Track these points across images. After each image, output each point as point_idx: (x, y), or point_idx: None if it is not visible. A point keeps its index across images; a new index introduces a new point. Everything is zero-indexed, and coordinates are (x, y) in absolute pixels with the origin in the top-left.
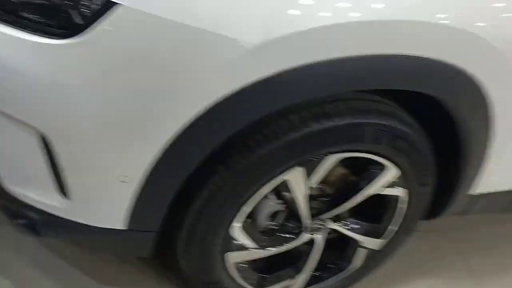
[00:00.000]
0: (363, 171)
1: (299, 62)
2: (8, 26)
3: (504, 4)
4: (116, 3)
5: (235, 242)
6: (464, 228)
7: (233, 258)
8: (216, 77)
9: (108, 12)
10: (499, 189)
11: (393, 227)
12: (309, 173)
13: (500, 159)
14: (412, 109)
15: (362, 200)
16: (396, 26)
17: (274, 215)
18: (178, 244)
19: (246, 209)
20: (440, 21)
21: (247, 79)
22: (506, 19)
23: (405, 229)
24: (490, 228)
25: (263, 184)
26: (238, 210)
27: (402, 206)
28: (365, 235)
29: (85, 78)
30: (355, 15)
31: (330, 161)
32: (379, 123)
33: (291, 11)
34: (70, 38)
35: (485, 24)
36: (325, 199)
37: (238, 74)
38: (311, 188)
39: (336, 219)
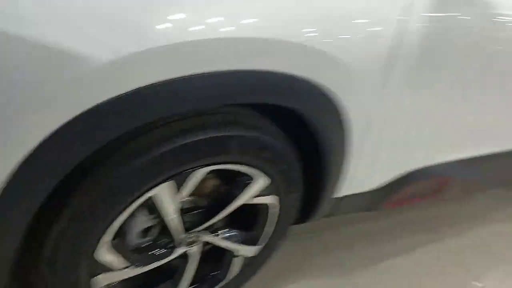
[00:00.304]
0: (234, 182)
1: (156, 79)
2: None
3: (347, 22)
4: None
5: (103, 264)
6: (333, 227)
7: (103, 280)
8: (65, 95)
9: None
10: (360, 190)
11: (266, 234)
12: (179, 187)
13: (358, 163)
14: (280, 120)
15: (235, 209)
16: (255, 43)
17: (146, 231)
18: (40, 269)
19: (113, 228)
20: (294, 39)
21: (101, 97)
22: (351, 35)
23: (278, 234)
24: (357, 226)
25: (131, 202)
26: (104, 230)
27: (274, 213)
28: (240, 244)
29: None
30: (215, 32)
31: (199, 174)
32: (245, 136)
33: (150, 25)
34: None
35: (334, 41)
36: (199, 212)
37: (91, 91)
38: (182, 201)
39: (211, 230)
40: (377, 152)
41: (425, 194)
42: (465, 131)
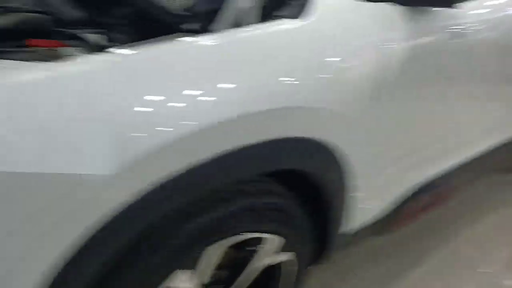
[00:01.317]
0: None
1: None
2: None
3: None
4: None
5: None
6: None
7: None
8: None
9: None
10: (371, 221)
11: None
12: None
13: (366, 196)
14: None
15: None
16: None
17: None
18: None
19: None
20: (299, 104)
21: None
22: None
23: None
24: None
25: None
26: None
27: (293, 268)
28: None
29: None
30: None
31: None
32: (267, 202)
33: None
34: None
35: (324, 93)
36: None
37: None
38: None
39: None
40: (381, 182)
41: (432, 204)
42: (452, 137)
